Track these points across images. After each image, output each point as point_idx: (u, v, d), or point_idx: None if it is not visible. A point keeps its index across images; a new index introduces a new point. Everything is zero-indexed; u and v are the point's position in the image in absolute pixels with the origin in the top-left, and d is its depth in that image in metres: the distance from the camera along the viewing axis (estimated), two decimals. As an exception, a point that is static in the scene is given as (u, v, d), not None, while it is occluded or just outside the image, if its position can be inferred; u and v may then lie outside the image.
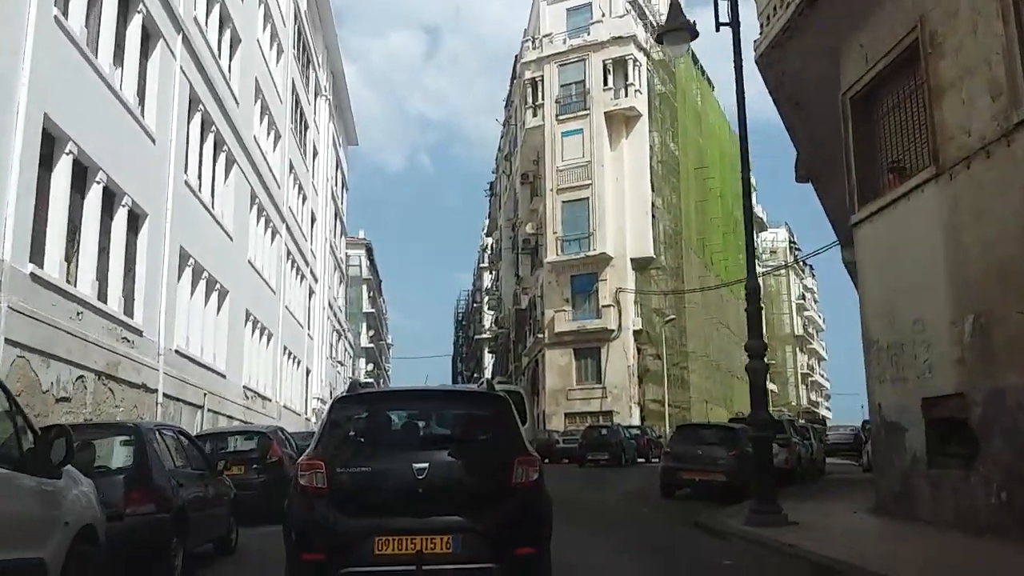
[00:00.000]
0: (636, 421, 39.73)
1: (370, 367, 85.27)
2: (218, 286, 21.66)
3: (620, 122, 42.97)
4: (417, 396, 7.42)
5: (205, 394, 19.75)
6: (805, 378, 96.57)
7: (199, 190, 19.97)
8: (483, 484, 5.93)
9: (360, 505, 5.75)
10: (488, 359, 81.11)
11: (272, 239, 29.58)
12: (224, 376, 22.05)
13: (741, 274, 49.83)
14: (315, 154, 41.21)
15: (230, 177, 23.20)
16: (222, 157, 22.42)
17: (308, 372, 43.09)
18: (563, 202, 42.78)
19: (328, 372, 52.06)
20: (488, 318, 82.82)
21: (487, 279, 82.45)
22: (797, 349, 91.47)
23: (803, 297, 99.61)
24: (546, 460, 32.63)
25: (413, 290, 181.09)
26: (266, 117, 27.54)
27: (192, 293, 19.96)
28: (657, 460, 32.84)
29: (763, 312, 12.37)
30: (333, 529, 5.70)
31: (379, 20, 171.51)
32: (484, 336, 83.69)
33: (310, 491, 5.84)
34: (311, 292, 44.35)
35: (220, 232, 21.94)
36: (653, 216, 42.96)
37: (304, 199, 38.72)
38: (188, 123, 19.01)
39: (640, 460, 32.70)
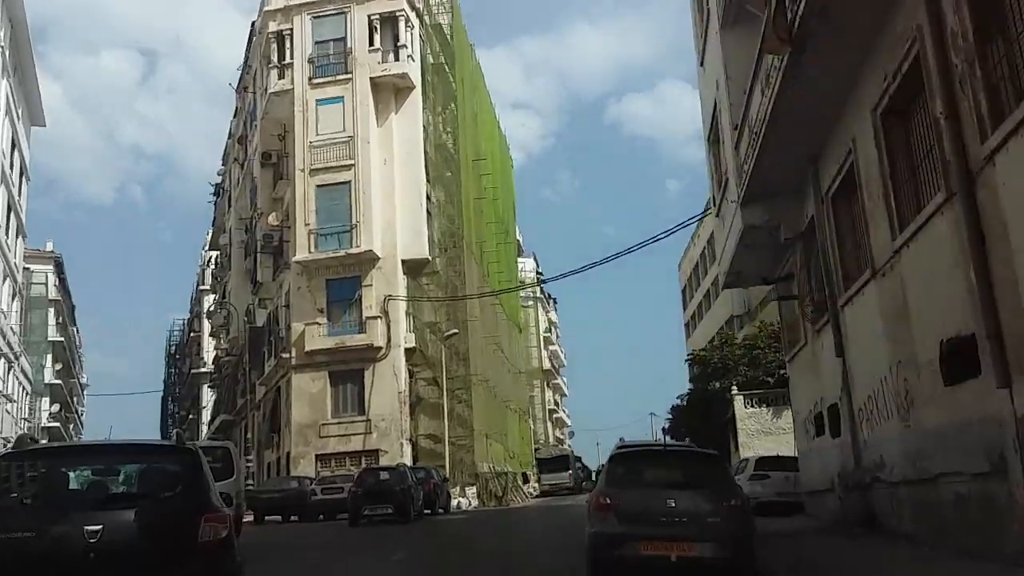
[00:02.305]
0: (408, 462, 31.45)
1: (55, 408, 69.18)
2: None
3: (389, 92, 35.02)
4: (94, 451, 7.03)
5: None
6: (551, 414, 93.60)
7: None
8: (165, 545, 5.71)
9: None
10: (208, 396, 68.60)
11: None
12: None
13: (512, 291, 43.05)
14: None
15: None
16: None
17: None
18: (318, 186, 33.83)
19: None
20: (209, 346, 70.32)
21: (209, 302, 70.13)
22: (544, 384, 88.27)
23: (549, 330, 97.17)
24: (293, 518, 23.32)
25: (119, 329, 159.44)
26: None
27: None
28: (445, 512, 25.13)
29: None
30: None
31: (89, 37, 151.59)
32: (203, 370, 71.07)
33: None
34: None
35: None
36: (429, 212, 35.24)
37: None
38: None
39: (427, 512, 24.57)
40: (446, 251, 35.70)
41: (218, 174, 59.14)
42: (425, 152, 35.61)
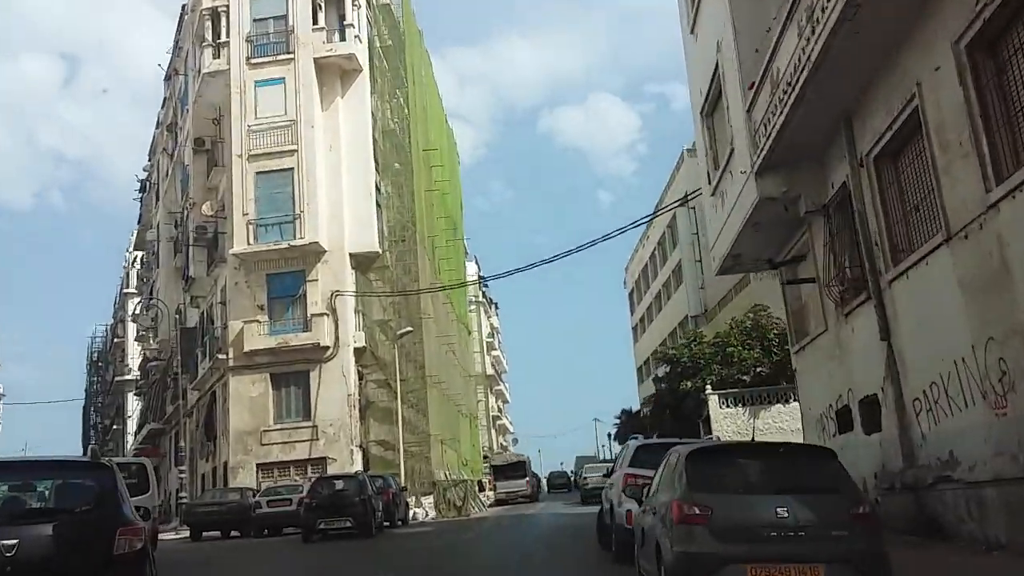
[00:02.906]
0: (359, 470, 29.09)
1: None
2: None
3: (335, 75, 32.64)
4: (9, 468, 7.23)
5: None
6: (495, 420, 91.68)
7: None
8: (81, 558, 5.82)
9: None
10: (134, 404, 64.65)
11: None
12: None
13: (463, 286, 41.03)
14: None
15: None
16: None
17: None
18: (258, 173, 31.23)
19: None
20: (135, 352, 66.35)
21: (133, 306, 66.20)
22: (488, 390, 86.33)
23: (492, 335, 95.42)
24: (234, 533, 20.85)
25: (37, 340, 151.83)
26: None
27: None
28: (404, 524, 23.08)
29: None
30: None
31: (8, 40, 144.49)
32: (127, 377, 67.00)
33: None
34: None
35: None
36: (378, 204, 32.94)
37: None
38: None
39: (387, 525, 22.40)
40: (398, 244, 33.42)
41: (144, 169, 55.71)
42: (374, 139, 33.35)
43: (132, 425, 63.17)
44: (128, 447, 57.35)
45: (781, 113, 12.01)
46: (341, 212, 31.59)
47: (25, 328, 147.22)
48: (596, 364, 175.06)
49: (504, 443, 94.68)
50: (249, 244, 30.73)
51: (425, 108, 39.15)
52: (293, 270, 31.14)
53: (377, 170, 33.33)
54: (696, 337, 32.59)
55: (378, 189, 33.15)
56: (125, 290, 71.76)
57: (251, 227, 30.85)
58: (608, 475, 15.79)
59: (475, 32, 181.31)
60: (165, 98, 46.94)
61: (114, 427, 69.06)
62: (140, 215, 55.42)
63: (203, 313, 36.02)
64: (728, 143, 15.64)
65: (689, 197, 24.83)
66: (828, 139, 12.80)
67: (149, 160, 53.68)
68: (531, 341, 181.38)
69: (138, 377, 60.22)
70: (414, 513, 28.29)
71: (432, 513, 28.98)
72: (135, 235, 63.65)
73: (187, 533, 26.94)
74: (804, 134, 12.39)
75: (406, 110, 36.72)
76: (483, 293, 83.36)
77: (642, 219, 29.27)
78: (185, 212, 36.61)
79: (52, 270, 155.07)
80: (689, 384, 28.73)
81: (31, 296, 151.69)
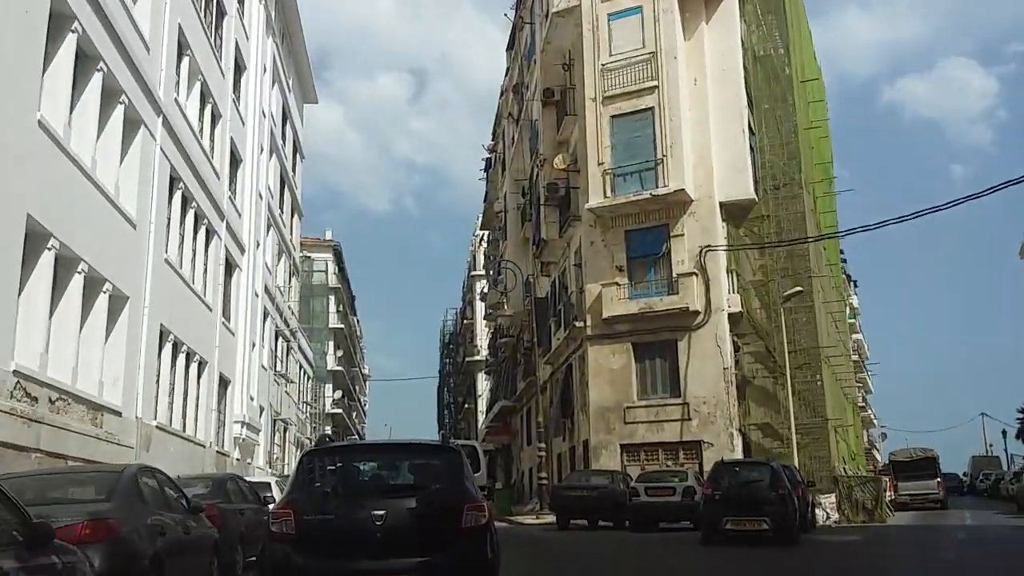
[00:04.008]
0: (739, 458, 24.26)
1: (338, 394, 69.20)
2: None
3: (697, -3, 28.03)
4: (377, 449, 8.74)
5: None
6: (859, 412, 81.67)
7: None
8: (436, 528, 6.59)
9: (325, 549, 6.47)
10: (483, 384, 65.34)
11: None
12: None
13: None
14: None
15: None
16: None
17: (225, 384, 28.12)
18: (613, 117, 27.55)
19: (267, 389, 36.47)
20: (483, 333, 67.20)
21: (481, 287, 67.02)
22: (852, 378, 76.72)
23: (852, 316, 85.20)
24: (604, 523, 16.77)
25: (397, 332, 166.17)
26: None
27: None
28: (814, 528, 17.97)
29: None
30: (301, 571, 6.46)
31: (366, 62, 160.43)
32: (477, 358, 68.04)
33: (279, 537, 6.61)
34: (230, 264, 29.53)
35: None
36: (751, 147, 27.76)
37: (213, 114, 24.92)
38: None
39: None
40: (775, 191, 27.95)
41: (487, 151, 55.25)
42: (745, 70, 28.21)
43: (482, 404, 63.76)
44: (480, 425, 57.51)
45: None
46: (709, 155, 26.92)
47: (387, 321, 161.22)
48: (980, 350, 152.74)
49: (871, 438, 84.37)
50: (606, 196, 27.13)
51: (800, 34, 33.12)
52: (655, 224, 27.05)
53: (749, 104, 28.14)
54: None
55: (750, 128, 27.96)
56: (473, 272, 73.22)
57: (607, 178, 27.23)
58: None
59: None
60: (507, 68, 45.54)
61: (466, 406, 70.60)
62: (485, 193, 55.01)
63: (554, 281, 33.28)
64: None
65: None
66: None
67: (492, 138, 52.99)
68: (897, 323, 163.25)
69: (487, 356, 60.48)
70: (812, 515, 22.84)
71: (835, 515, 23.32)
72: (480, 217, 64.26)
73: (549, 517, 23.98)
74: None
75: (778, 35, 30.98)
76: (843, 269, 74.37)
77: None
78: (534, 172, 34.08)
79: (408, 268, 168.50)
80: None
81: (390, 293, 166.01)
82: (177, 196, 21.83)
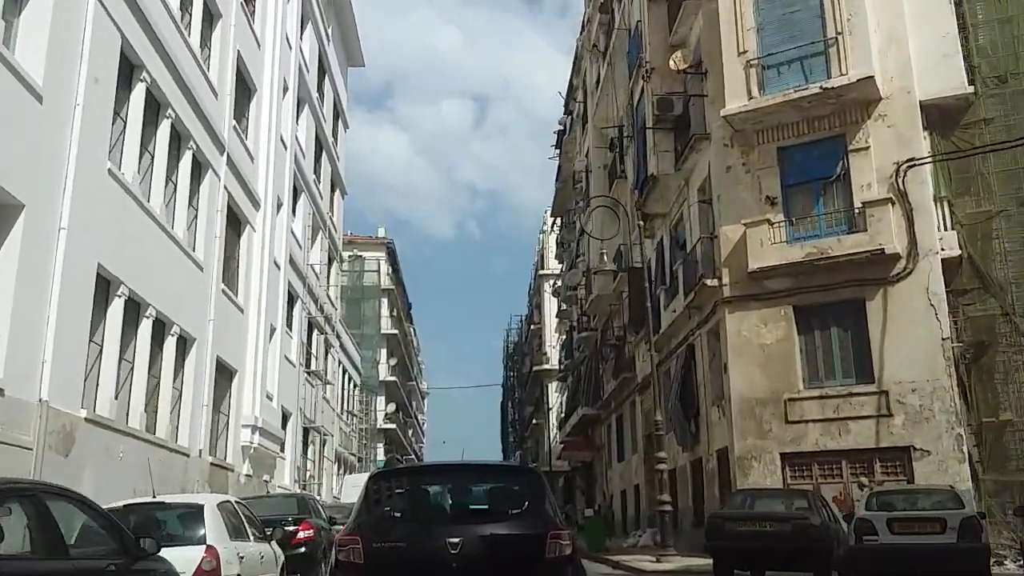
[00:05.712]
0: (965, 480, 15.69)
1: (391, 408, 61.50)
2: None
3: None
4: (450, 471, 7.61)
5: None
6: None
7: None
8: (516, 558, 6.03)
9: None
10: (554, 396, 57.06)
11: None
12: None
13: None
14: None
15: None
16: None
17: (229, 374, 21.06)
18: (758, -13, 19.38)
19: (295, 388, 28.99)
20: (553, 339, 59.07)
21: (549, 286, 58.93)
22: None
23: None
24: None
25: (455, 350, 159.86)
26: None
27: None
28: None
29: None
30: None
31: (430, 89, 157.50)
32: (546, 367, 59.89)
33: (347, 566, 6.10)
34: (236, 216, 22.70)
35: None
36: (963, 22, 19.28)
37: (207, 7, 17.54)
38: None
39: None
40: (1004, 82, 19.27)
41: (559, 123, 47.46)
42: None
43: (553, 418, 55.49)
44: (553, 439, 49.25)
45: None
46: (903, 34, 18.49)
47: (446, 344, 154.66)
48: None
49: None
50: (751, 98, 18.83)
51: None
52: (824, 135, 18.61)
53: (953, -30, 19.66)
54: None
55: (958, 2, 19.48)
56: (541, 271, 65.34)
57: (753, 71, 18.93)
58: None
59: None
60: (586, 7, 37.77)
61: (533, 421, 62.34)
62: (559, 168, 47.05)
63: (660, 242, 25.04)
64: None
65: None
66: None
67: (566, 105, 45.14)
68: None
69: (561, 361, 52.29)
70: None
71: None
72: (548, 210, 56.44)
73: (681, 559, 15.73)
74: None
75: None
76: None
77: None
78: (635, 95, 25.91)
79: (470, 292, 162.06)
80: None
81: (451, 316, 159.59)
82: (129, 70, 14.43)
